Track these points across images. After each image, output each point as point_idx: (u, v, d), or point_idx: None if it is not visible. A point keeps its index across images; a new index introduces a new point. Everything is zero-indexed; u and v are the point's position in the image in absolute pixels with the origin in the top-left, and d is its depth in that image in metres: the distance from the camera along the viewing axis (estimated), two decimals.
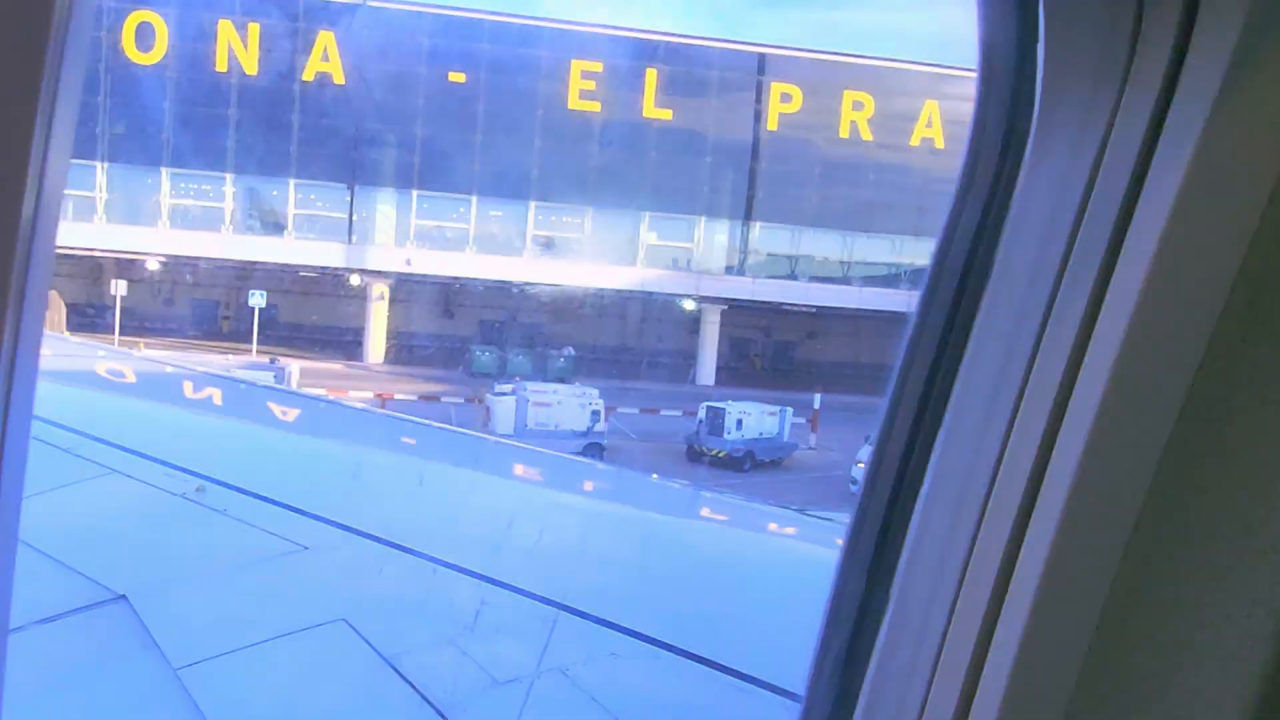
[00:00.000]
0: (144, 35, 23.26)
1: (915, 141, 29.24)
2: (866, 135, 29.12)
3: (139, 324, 21.74)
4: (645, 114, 27.79)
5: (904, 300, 28.79)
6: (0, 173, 0.57)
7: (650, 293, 28.12)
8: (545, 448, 8.54)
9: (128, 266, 22.35)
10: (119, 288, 20.13)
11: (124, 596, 3.33)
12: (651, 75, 27.74)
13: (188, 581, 3.69)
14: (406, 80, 25.74)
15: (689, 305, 28.30)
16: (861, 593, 0.96)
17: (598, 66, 27.29)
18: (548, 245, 27.60)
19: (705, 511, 5.92)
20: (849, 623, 0.96)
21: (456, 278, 26.62)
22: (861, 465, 18.52)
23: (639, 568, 4.03)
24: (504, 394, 19.61)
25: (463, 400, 20.69)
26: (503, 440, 12.64)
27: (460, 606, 3.47)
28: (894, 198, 28.76)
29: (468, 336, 27.14)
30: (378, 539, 4.04)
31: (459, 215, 27.04)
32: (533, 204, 27.14)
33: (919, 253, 30.73)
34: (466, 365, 24.48)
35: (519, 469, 6.53)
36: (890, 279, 30.26)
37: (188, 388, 7.26)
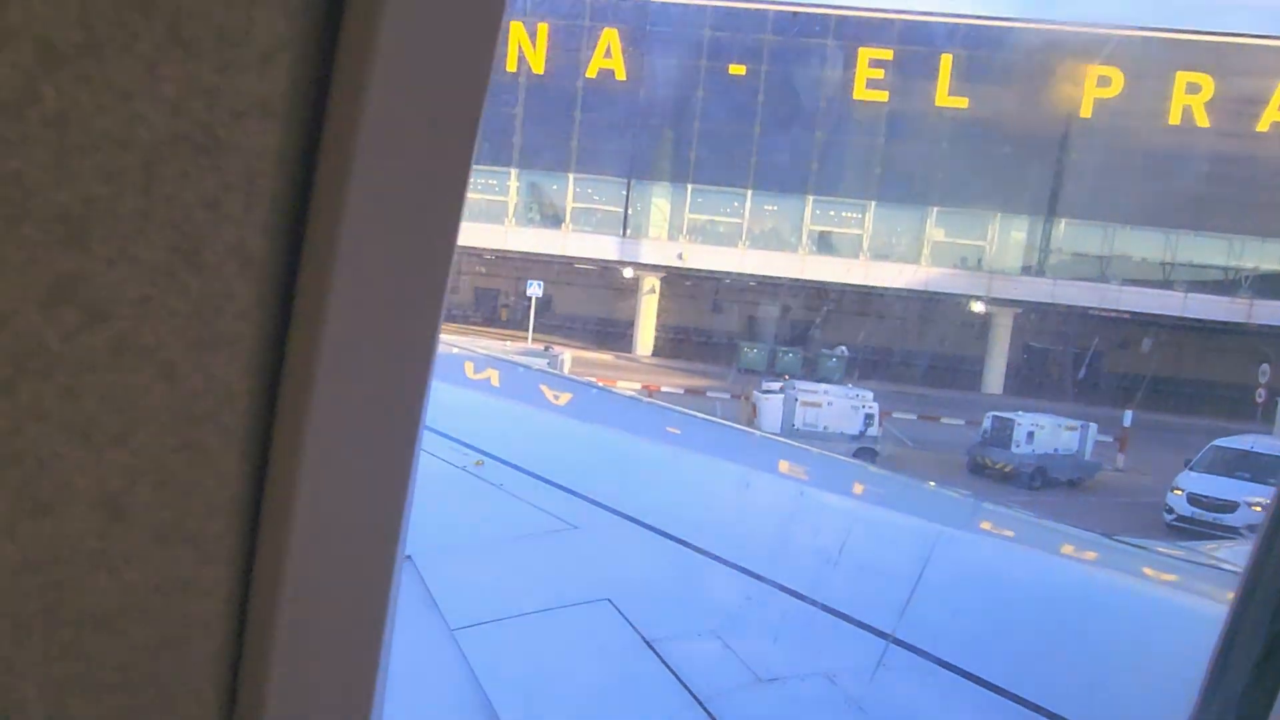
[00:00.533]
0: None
1: (1264, 127, 25.88)
2: (1202, 121, 26.14)
3: None
4: (938, 102, 26.68)
5: (1243, 310, 25.64)
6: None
7: (934, 293, 26.97)
8: (814, 449, 8.36)
9: None
10: None
11: (410, 557, 3.64)
12: (946, 61, 26.58)
13: (466, 549, 3.95)
14: (686, 74, 26.45)
15: (977, 307, 26.82)
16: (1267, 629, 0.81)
17: (887, 54, 26.56)
18: (824, 241, 27.25)
19: (989, 525, 5.51)
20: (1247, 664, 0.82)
21: (728, 272, 26.98)
22: (1179, 492, 16.63)
23: (915, 578, 3.80)
24: (772, 391, 19.52)
25: (729, 396, 20.91)
26: (772, 438, 12.58)
27: (724, 599, 3.46)
28: (1233, 192, 25.65)
29: (736, 332, 27.40)
30: (645, 524, 4.11)
31: (733, 210, 27.38)
32: (810, 198, 26.91)
33: (1265, 255, 27.10)
34: (734, 361, 24.72)
35: (788, 467, 6.42)
36: (1225, 285, 27.01)
37: (469, 368, 7.83)
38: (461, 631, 3.19)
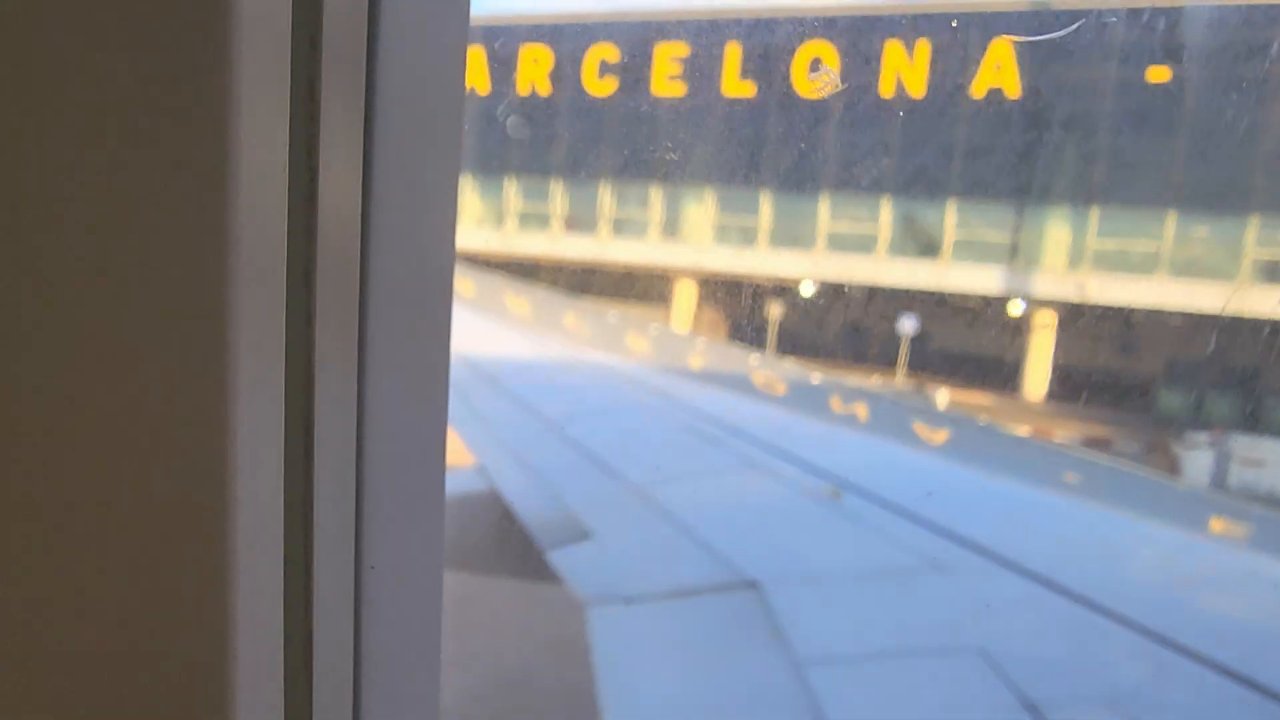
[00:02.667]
0: (814, 68, 25.96)
1: None
2: None
3: (791, 344, 24.22)
4: None
5: None
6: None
7: None
8: (1253, 509, 7.23)
9: (783, 290, 25.16)
10: (774, 310, 22.69)
11: (756, 584, 3.58)
12: None
13: (817, 581, 3.84)
14: (1092, 85, 24.44)
15: None
16: None
17: None
18: (1275, 270, 23.65)
19: None
20: None
21: (1139, 307, 24.34)
22: None
23: None
24: (1197, 445, 17.22)
25: (1139, 447, 18.72)
26: (1196, 492, 11.11)
27: (1123, 663, 3.02)
28: None
29: (1151, 375, 24.52)
30: (1025, 572, 3.75)
31: (1149, 234, 24.74)
32: (1255, 219, 23.56)
33: None
34: (1147, 408, 22.11)
35: (1221, 525, 5.59)
36: None
37: (833, 400, 7.74)
38: (811, 665, 3.07)
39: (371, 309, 0.63)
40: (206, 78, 0.52)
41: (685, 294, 19.43)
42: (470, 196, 17.43)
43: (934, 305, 25.90)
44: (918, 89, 24.90)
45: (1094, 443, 19.66)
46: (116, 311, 0.54)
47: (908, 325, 23.09)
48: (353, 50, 0.60)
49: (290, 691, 0.63)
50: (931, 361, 25.77)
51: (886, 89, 23.95)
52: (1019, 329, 26.09)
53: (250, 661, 0.59)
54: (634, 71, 15.52)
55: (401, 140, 0.64)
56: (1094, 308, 25.69)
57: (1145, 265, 25.79)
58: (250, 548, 0.57)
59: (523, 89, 15.28)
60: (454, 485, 4.73)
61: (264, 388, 0.56)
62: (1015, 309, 25.55)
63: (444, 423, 0.69)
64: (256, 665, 0.60)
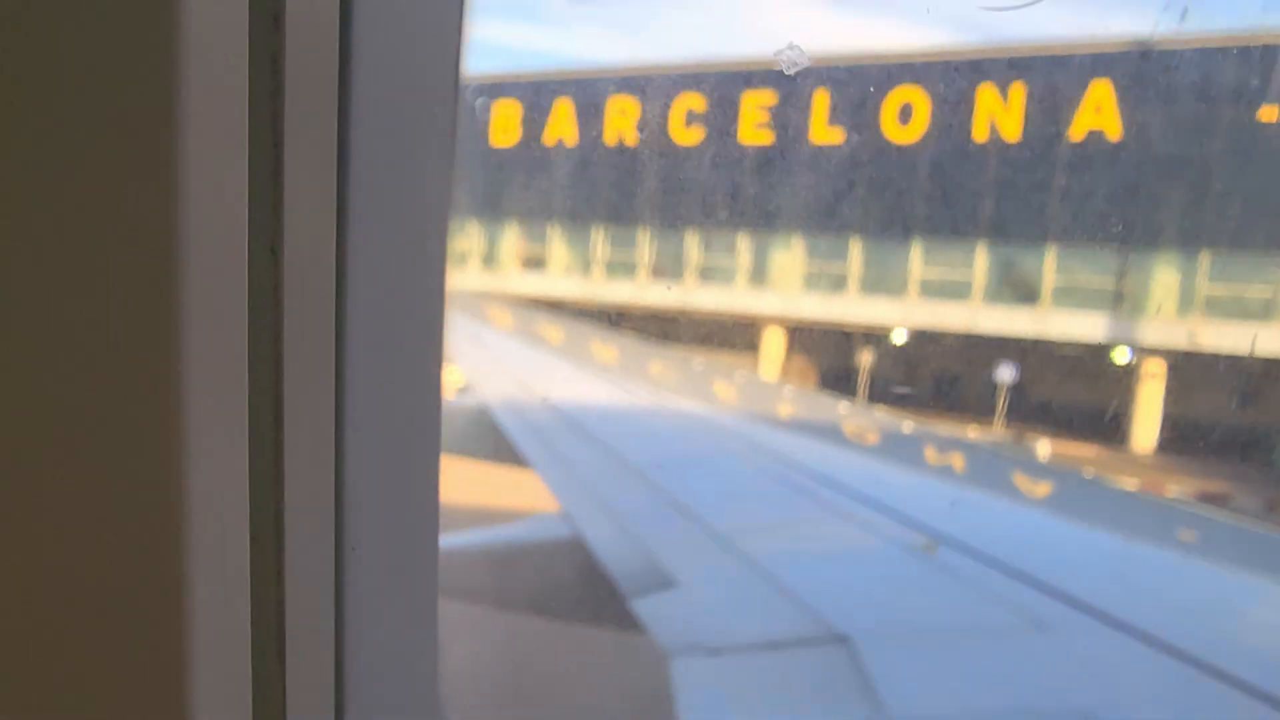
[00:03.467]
0: (904, 113, 25.81)
1: None
2: None
3: (882, 392, 23.83)
4: None
5: None
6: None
7: None
8: None
9: (874, 338, 24.80)
10: (865, 357, 22.39)
11: (846, 638, 3.49)
12: None
13: (911, 637, 3.73)
14: (1200, 126, 23.74)
15: None
16: None
17: None
18: None
19: None
20: None
21: (1256, 355, 23.29)
22: None
23: None
24: None
25: (1259, 503, 17.77)
26: None
27: None
28: None
29: (1270, 427, 23.36)
30: (1135, 632, 3.58)
31: (1264, 279, 23.75)
32: None
33: None
34: (1267, 461, 21.03)
35: None
36: None
37: (927, 450, 7.58)
38: None
39: (350, 299, 0.64)
40: (159, 88, 0.53)
41: (773, 341, 19.35)
42: (557, 245, 17.73)
43: (1033, 353, 25.23)
44: (1013, 132, 24.48)
45: (1209, 498, 18.72)
46: (74, 311, 0.55)
47: (1006, 374, 22.49)
48: (322, 53, 0.60)
49: (261, 686, 0.62)
50: (1031, 411, 25.00)
51: (980, 133, 23.59)
52: (1125, 378, 25.15)
53: (209, 657, 0.58)
54: (721, 120, 15.66)
55: (377, 147, 0.64)
56: (1207, 355, 24.64)
57: (1260, 311, 24.68)
58: (208, 538, 0.57)
59: (609, 139, 15.53)
60: (537, 531, 4.75)
61: (223, 375, 0.57)
62: (1121, 357, 24.68)
63: (436, 409, 0.71)
64: (216, 660, 0.58)
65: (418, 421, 0.71)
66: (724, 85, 13.83)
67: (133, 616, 0.57)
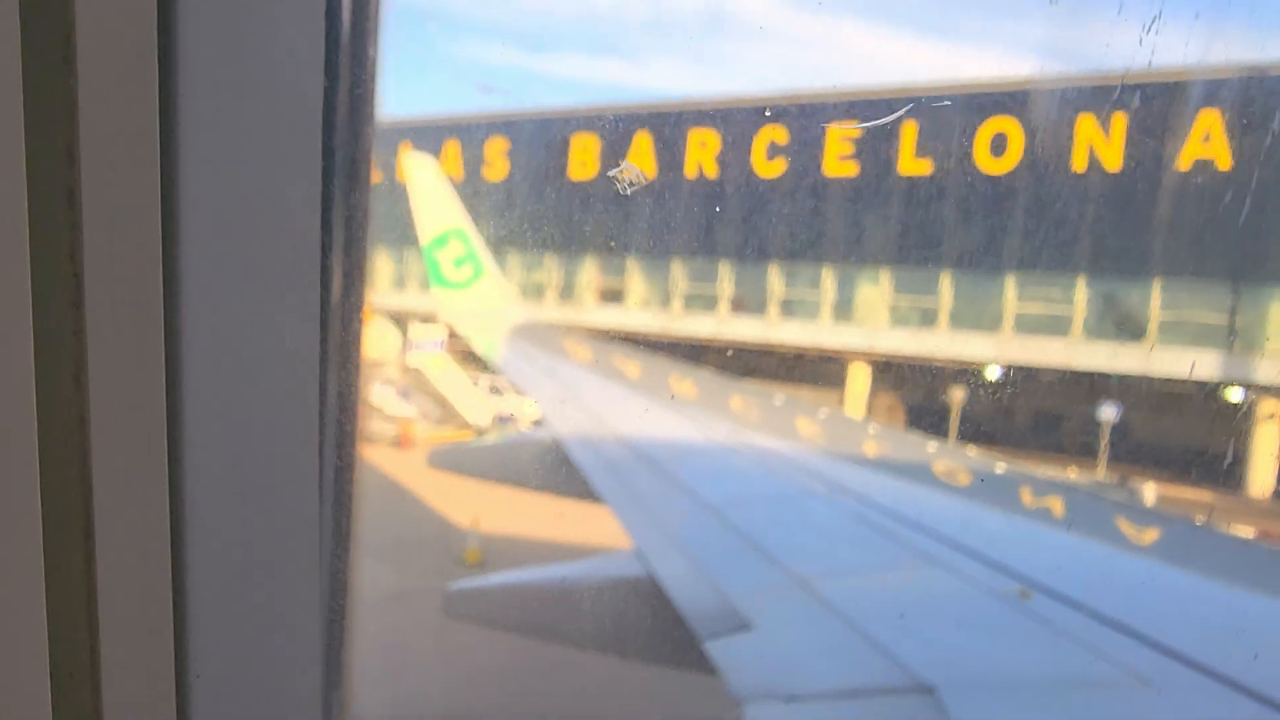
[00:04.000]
0: (997, 144, 25.44)
1: None
2: None
3: (974, 431, 23.28)
4: None
5: None
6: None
7: None
8: None
9: (967, 373, 24.24)
10: (956, 394, 21.97)
11: (933, 689, 3.36)
12: None
13: (1003, 690, 3.58)
14: None
15: None
16: None
17: None
18: None
19: None
20: None
21: None
22: None
23: None
24: None
25: None
26: None
27: None
28: None
29: None
30: (1251, 693, 3.38)
31: None
32: None
33: None
34: None
35: None
36: None
37: (1023, 492, 7.37)
38: None
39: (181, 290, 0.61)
40: None
41: (858, 377, 19.08)
42: (636, 278, 17.83)
43: (1138, 391, 24.39)
44: (1114, 162, 23.90)
45: None
46: None
47: (1108, 413, 21.78)
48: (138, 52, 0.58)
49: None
50: (1136, 453, 24.14)
51: (1079, 163, 23.08)
52: (1239, 418, 24.14)
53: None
54: (805, 152, 15.62)
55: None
56: None
57: None
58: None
59: (690, 171, 15.62)
60: (610, 568, 4.70)
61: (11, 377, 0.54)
62: (1234, 396, 23.71)
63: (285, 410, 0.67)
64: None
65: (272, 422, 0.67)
66: (807, 117, 13.81)
67: None
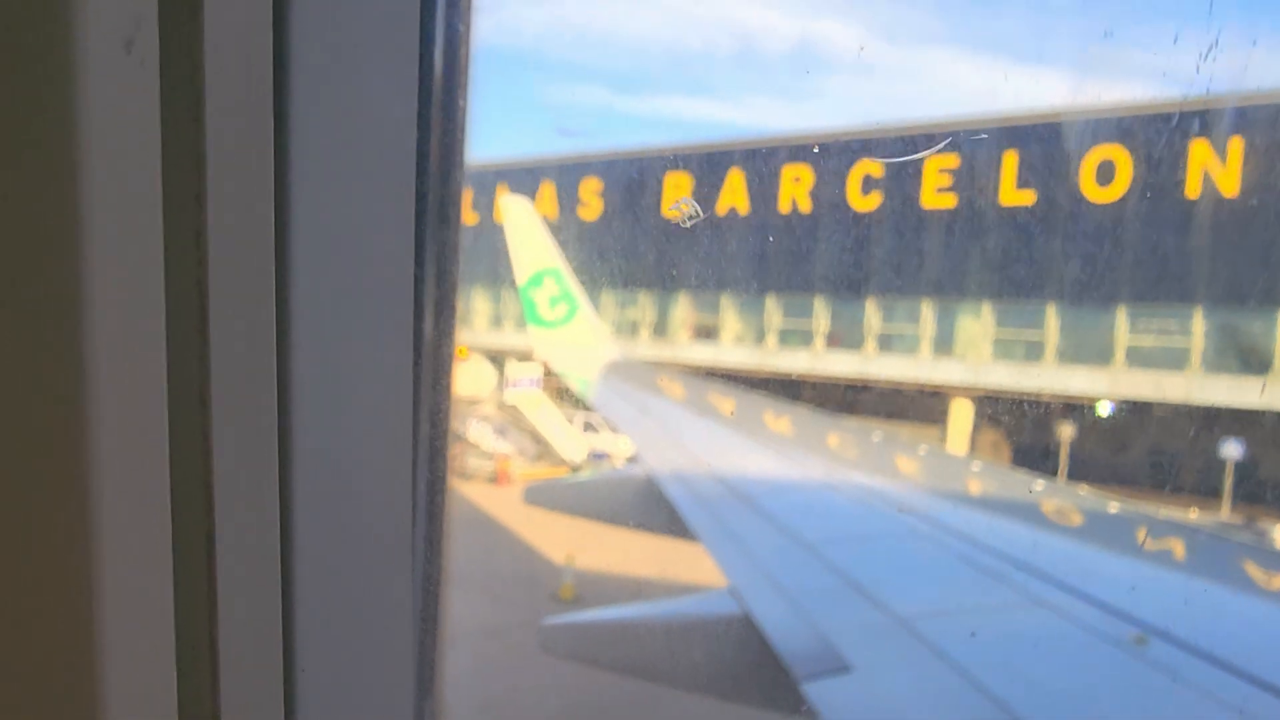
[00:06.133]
0: (1104, 172, 24.70)
1: None
2: None
3: (1085, 469, 22.46)
4: None
5: None
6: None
7: None
8: None
9: (1075, 410, 23.37)
10: (1065, 431, 21.23)
11: None
12: None
13: None
14: None
15: None
16: None
17: None
18: None
19: None
20: None
21: None
22: None
23: None
24: None
25: None
26: None
27: None
28: None
29: None
30: None
31: None
32: None
33: None
34: None
35: None
36: None
37: (1139, 533, 7.11)
38: None
39: (293, 298, 0.66)
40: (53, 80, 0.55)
41: (961, 413, 18.63)
42: (730, 314, 17.79)
43: (1266, 427, 23.18)
44: (1230, 188, 23.03)
45: None
46: None
47: (1232, 450, 20.75)
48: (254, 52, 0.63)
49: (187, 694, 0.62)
50: (1265, 492, 22.92)
51: (1192, 189, 22.32)
52: None
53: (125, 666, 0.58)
54: (901, 185, 15.45)
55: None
56: None
57: None
58: (120, 543, 0.58)
59: (784, 207, 15.58)
60: (705, 606, 4.68)
61: (141, 378, 0.59)
62: None
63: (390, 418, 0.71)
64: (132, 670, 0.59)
65: (377, 420, 0.71)
66: (902, 150, 13.67)
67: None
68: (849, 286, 16.95)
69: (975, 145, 16.58)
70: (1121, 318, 23.35)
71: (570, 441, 12.79)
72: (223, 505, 0.62)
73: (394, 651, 0.72)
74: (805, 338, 17.54)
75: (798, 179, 15.05)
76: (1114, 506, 8.94)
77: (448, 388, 0.79)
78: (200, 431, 0.62)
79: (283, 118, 0.65)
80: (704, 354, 17.32)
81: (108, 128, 0.57)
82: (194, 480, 0.62)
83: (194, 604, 0.63)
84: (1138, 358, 23.64)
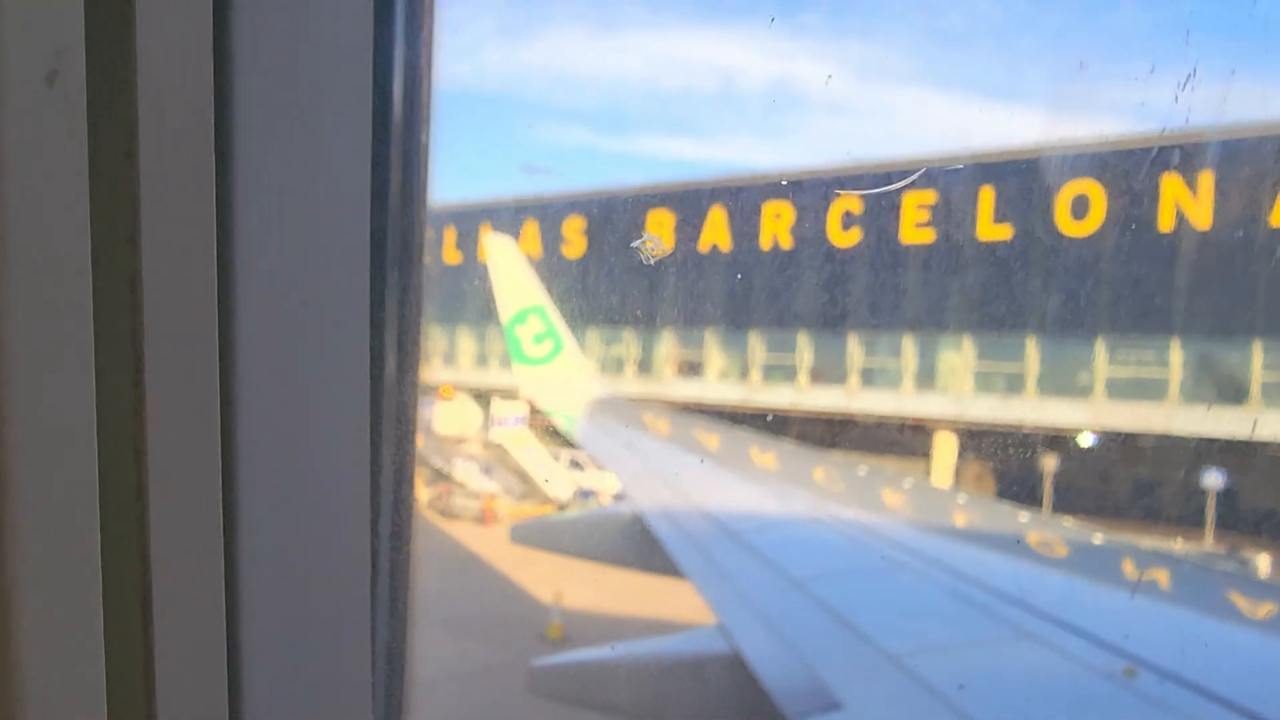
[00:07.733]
0: (1079, 206, 25.03)
1: None
2: None
3: (1069, 500, 22.50)
4: None
5: None
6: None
7: None
8: None
9: (1058, 441, 23.43)
10: (1048, 462, 21.30)
11: None
12: None
13: None
14: None
15: None
16: None
17: None
18: None
19: None
20: None
21: None
22: None
23: None
24: None
25: None
26: None
27: None
28: None
29: None
30: None
31: None
32: None
33: None
34: None
35: None
36: None
37: (1125, 564, 7.14)
38: None
39: (238, 296, 0.63)
40: None
41: (945, 446, 18.67)
42: (713, 350, 17.82)
43: (1246, 457, 23.26)
44: (1203, 221, 23.27)
45: None
46: None
47: (1214, 479, 20.81)
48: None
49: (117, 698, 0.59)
50: (1247, 521, 22.95)
51: (1165, 222, 22.58)
52: None
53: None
54: (880, 220, 15.58)
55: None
56: None
57: None
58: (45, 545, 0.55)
59: (765, 243, 15.68)
60: (693, 644, 4.63)
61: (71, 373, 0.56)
62: None
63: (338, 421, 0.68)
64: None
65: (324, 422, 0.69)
66: (880, 186, 13.80)
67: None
68: (831, 322, 17.03)
69: (952, 181, 16.77)
70: (1100, 349, 23.50)
71: (556, 479, 12.74)
72: (162, 576, 0.59)
73: (352, 688, 0.69)
74: (789, 373, 17.57)
75: (778, 215, 15.16)
76: (1099, 538, 8.97)
77: (411, 425, 0.76)
78: (134, 491, 0.59)
79: (225, 155, 0.61)
80: (689, 390, 17.31)
81: (29, 169, 0.53)
82: (130, 520, 0.59)
83: (129, 662, 0.59)
84: (1117, 389, 23.78)
